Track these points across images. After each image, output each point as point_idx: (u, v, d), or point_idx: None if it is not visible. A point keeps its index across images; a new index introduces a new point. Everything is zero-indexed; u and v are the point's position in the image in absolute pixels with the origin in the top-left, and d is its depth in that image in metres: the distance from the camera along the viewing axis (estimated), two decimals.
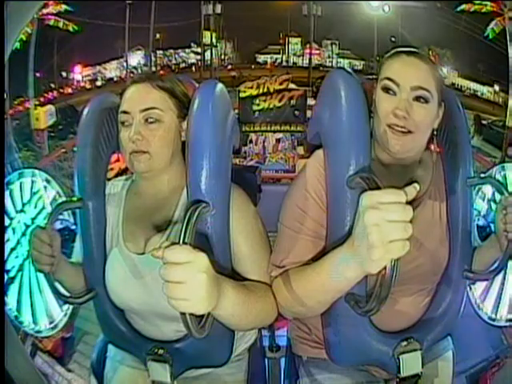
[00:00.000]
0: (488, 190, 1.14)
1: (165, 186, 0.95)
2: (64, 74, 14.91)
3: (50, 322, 1.16)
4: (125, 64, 15.22)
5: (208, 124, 0.84)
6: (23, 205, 1.11)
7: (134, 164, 0.89)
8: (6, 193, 1.06)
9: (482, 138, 8.62)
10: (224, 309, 0.70)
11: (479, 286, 1.20)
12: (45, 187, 1.17)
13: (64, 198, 1.17)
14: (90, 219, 0.93)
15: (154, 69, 16.19)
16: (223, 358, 0.93)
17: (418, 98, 0.84)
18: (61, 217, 1.11)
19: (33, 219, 1.13)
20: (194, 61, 17.64)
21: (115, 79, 15.78)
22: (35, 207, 1.14)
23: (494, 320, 1.22)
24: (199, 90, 0.87)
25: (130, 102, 0.90)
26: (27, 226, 1.11)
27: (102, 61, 15.60)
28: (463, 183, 0.92)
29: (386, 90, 0.86)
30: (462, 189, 0.93)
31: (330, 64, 17.08)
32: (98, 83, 15.69)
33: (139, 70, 15.69)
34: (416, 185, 0.63)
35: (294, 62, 17.77)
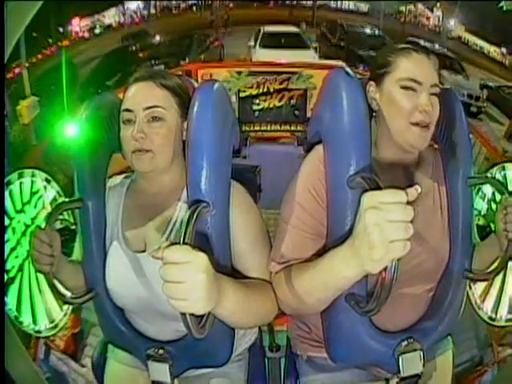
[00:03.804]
0: (488, 189, 1.14)
1: (165, 186, 0.95)
2: (62, 25, 14.01)
3: (50, 322, 1.16)
4: (122, 8, 14.64)
5: (208, 124, 0.84)
6: (23, 205, 1.11)
7: (137, 163, 0.89)
8: (6, 193, 1.05)
9: (489, 102, 8.45)
10: (224, 308, 0.70)
11: (479, 286, 1.20)
12: (45, 187, 1.16)
13: (64, 198, 1.17)
14: (89, 219, 0.93)
15: (153, 11, 15.39)
16: (223, 358, 0.93)
17: (434, 94, 0.87)
18: (61, 217, 1.11)
19: (33, 219, 1.13)
20: (194, 1, 16.70)
21: (114, 26, 14.97)
22: (35, 207, 1.14)
23: (493, 320, 1.22)
24: (199, 89, 0.87)
25: (133, 99, 0.90)
26: (27, 226, 1.11)
27: (100, 8, 14.64)
28: (463, 183, 0.93)
29: (407, 88, 0.86)
30: (462, 188, 0.93)
31: (335, 5, 16.55)
32: (97, 31, 14.78)
33: (138, 14, 15.12)
34: (417, 186, 0.63)
35: (297, 2, 17.09)
